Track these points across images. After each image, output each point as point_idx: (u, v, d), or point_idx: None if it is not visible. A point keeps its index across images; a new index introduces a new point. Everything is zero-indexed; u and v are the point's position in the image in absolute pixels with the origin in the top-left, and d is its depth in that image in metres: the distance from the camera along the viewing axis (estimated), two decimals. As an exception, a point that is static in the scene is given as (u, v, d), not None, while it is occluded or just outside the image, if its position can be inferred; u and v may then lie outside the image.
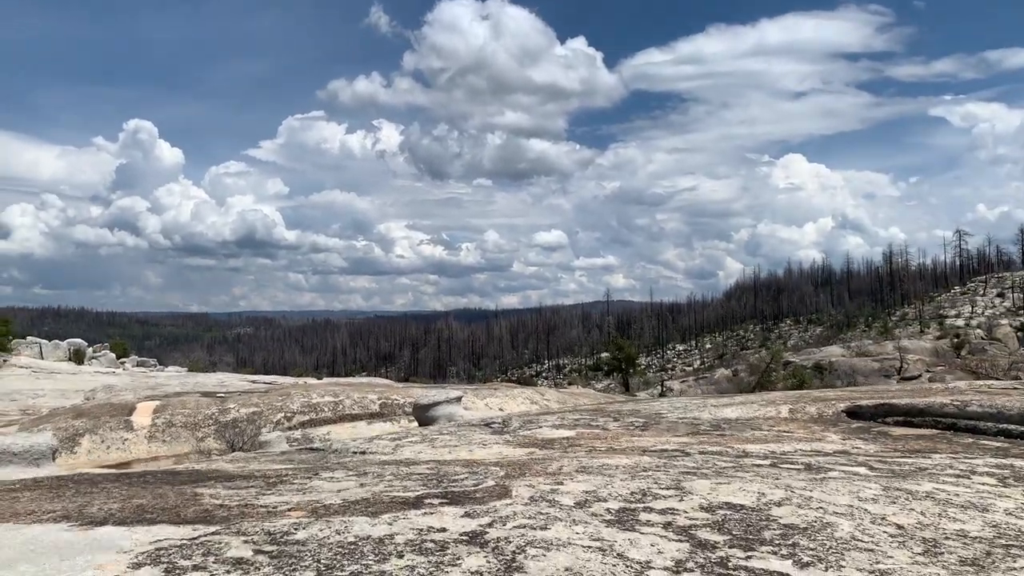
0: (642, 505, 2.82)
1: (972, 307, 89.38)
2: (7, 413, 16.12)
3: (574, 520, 2.56)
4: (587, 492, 3.01)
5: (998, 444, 4.90)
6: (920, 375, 52.60)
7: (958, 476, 3.58)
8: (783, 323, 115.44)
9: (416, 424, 13.17)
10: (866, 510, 2.76)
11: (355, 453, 5.54)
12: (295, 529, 2.48)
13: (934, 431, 5.61)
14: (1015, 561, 2.20)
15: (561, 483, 3.18)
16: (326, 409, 12.26)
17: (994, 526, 2.61)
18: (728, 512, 2.72)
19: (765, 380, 42.26)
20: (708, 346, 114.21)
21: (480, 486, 3.14)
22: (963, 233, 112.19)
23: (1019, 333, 71.34)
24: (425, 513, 2.67)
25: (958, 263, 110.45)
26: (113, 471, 4.51)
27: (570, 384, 74.08)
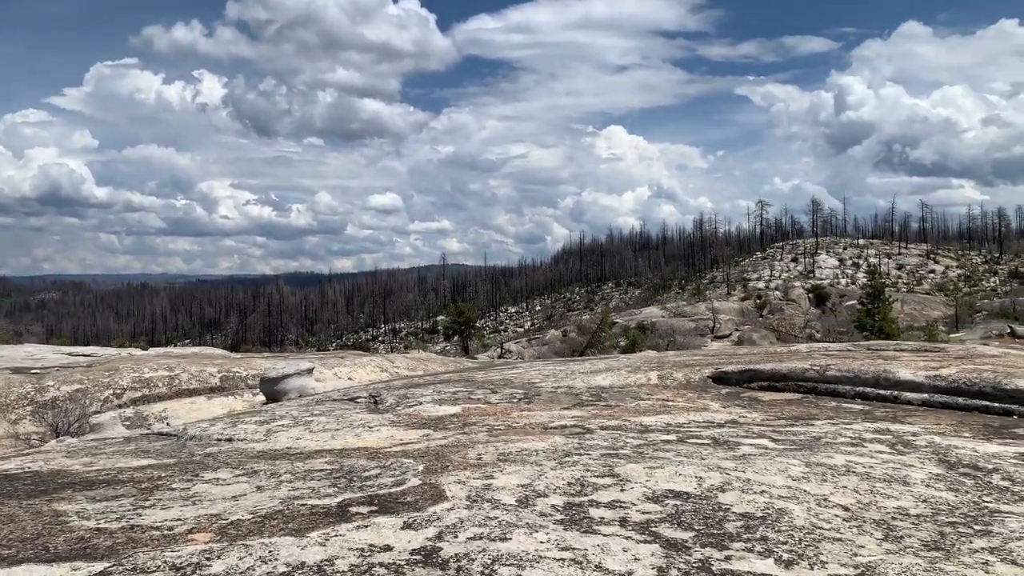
0: (586, 499, 2.65)
1: (771, 271, 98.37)
2: None
3: (529, 525, 2.34)
4: (523, 486, 2.80)
5: (859, 407, 5.23)
6: (731, 334, 57.33)
7: (853, 444, 3.73)
8: (606, 286, 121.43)
9: (263, 399, 12.38)
10: (806, 491, 2.76)
11: (220, 441, 4.98)
12: (208, 559, 2.07)
13: (797, 395, 5.93)
14: (971, 542, 2.25)
15: (491, 476, 2.94)
16: (161, 384, 11.22)
17: (924, 501, 2.69)
18: (678, 502, 2.61)
19: (596, 340, 44.15)
20: (538, 308, 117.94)
21: (405, 486, 2.83)
22: (763, 203, 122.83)
23: (810, 295, 79.56)
24: (358, 527, 2.34)
25: (759, 231, 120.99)
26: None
27: (407, 348, 73.73)
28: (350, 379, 14.68)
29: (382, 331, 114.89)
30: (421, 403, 5.87)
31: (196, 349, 22.66)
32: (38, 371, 10.75)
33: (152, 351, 20.30)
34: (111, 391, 10.50)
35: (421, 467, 3.16)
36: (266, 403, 11.36)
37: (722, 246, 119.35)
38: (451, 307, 57.50)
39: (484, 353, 47.81)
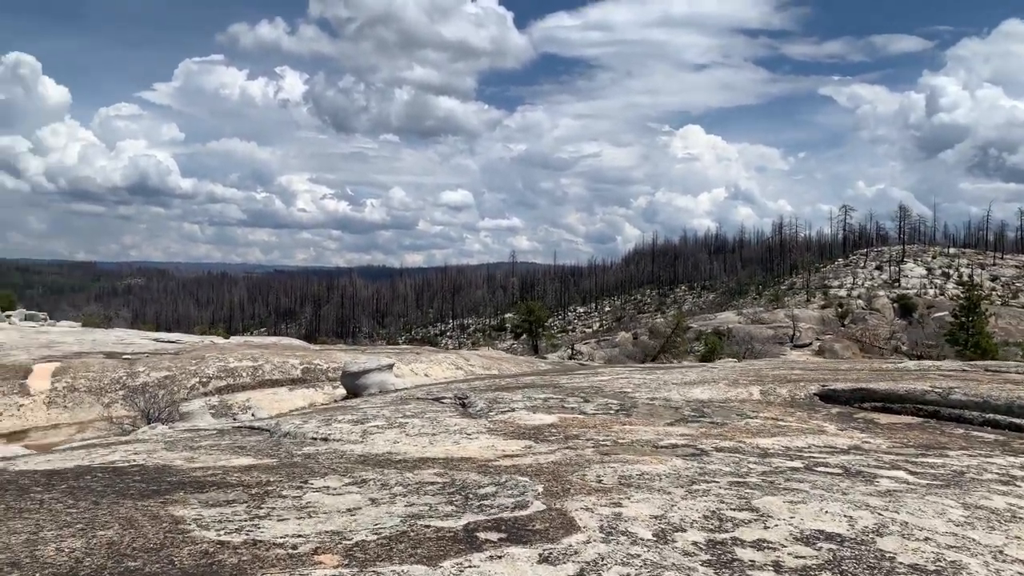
0: (728, 535, 2.43)
1: (854, 279, 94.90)
2: None
3: (676, 566, 2.14)
4: (655, 517, 2.60)
5: (993, 436, 4.82)
6: (811, 343, 55.51)
7: (1003, 483, 3.39)
8: (678, 288, 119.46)
9: (343, 391, 12.50)
10: (976, 541, 2.47)
11: (316, 440, 4.94)
12: (340, 586, 1.95)
13: (916, 419, 5.53)
14: None
15: (619, 504, 2.75)
16: (245, 374, 11.44)
17: (1119, 561, 2.37)
18: (832, 546, 2.36)
19: (669, 345, 43.39)
20: (607, 309, 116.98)
21: (529, 510, 2.66)
22: (847, 208, 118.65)
23: (895, 305, 76.35)
24: (491, 557, 2.18)
25: (841, 236, 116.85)
26: (41, 466, 3.76)
27: (474, 345, 74.17)
28: (426, 375, 14.70)
29: (450, 326, 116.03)
30: (514, 410, 5.72)
31: (275, 339, 23.19)
32: (129, 357, 11.10)
33: (233, 339, 20.85)
34: (197, 379, 10.75)
35: (540, 488, 2.99)
36: (347, 396, 11.45)
37: (802, 251, 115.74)
38: (521, 305, 57.48)
39: (554, 353, 47.60)
